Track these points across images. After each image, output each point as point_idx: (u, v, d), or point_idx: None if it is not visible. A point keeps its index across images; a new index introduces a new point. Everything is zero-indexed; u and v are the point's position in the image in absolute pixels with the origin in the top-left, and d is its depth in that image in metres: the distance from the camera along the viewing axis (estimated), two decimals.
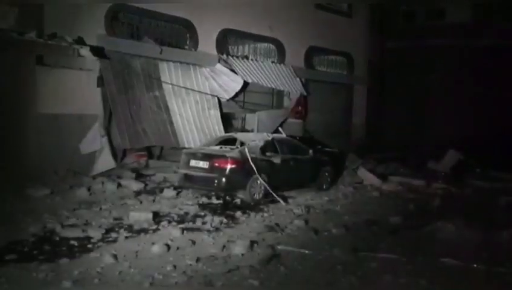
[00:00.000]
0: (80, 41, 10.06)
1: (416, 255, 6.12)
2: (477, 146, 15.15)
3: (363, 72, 18.07)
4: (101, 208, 7.95)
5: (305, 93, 15.04)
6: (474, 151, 14.30)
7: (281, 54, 15.03)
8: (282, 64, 14.81)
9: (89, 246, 6.02)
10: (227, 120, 13.40)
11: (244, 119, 14.88)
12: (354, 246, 6.42)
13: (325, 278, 5.27)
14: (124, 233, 6.58)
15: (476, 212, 8.86)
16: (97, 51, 10.25)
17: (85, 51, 9.86)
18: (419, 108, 20.41)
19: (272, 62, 14.74)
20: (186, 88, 12.12)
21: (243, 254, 5.92)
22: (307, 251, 6.15)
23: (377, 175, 12.16)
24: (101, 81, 10.68)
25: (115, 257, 5.51)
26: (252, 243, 6.26)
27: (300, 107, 15.07)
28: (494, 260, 5.93)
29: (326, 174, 11.03)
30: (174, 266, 5.37)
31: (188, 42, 12.86)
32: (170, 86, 11.84)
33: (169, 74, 11.98)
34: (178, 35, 12.72)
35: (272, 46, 14.99)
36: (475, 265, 5.74)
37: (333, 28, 16.40)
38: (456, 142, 14.72)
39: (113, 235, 6.50)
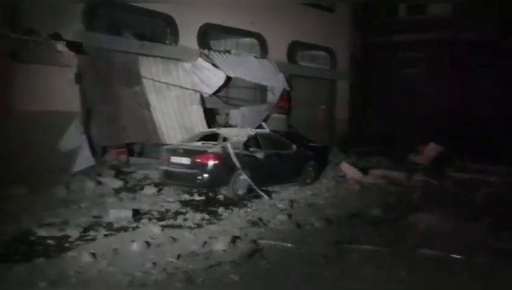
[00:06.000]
0: (57, 37, 9.83)
1: (396, 246, 6.17)
2: (458, 138, 15.40)
3: (345, 67, 18.12)
4: (80, 207, 7.81)
5: (288, 88, 15.00)
6: (455, 144, 14.51)
7: (263, 49, 14.94)
8: (265, 59, 14.75)
9: (67, 245, 5.89)
10: (210, 116, 13.30)
11: (227, 114, 14.81)
12: (336, 238, 6.45)
13: (306, 271, 5.27)
14: (103, 231, 6.47)
15: (455, 204, 8.98)
16: (75, 47, 10.03)
17: (62, 47, 9.66)
18: (402, 102, 20.60)
19: (255, 57, 14.66)
20: (167, 83, 11.97)
21: (224, 250, 5.87)
22: (289, 245, 6.15)
23: (358, 169, 12.24)
24: (79, 78, 10.47)
25: (94, 255, 5.41)
26: (234, 238, 6.23)
27: (284, 102, 15.01)
28: (472, 250, 6.00)
29: (310, 168, 11.06)
30: (154, 264, 5.29)
31: (168, 37, 12.69)
32: (151, 81, 11.66)
33: (150, 69, 11.78)
34: (158, 30, 12.53)
35: (255, 41, 14.91)
36: (453, 255, 5.80)
37: (316, 23, 16.38)
38: (438, 135, 14.92)
39: (92, 233, 6.38)
